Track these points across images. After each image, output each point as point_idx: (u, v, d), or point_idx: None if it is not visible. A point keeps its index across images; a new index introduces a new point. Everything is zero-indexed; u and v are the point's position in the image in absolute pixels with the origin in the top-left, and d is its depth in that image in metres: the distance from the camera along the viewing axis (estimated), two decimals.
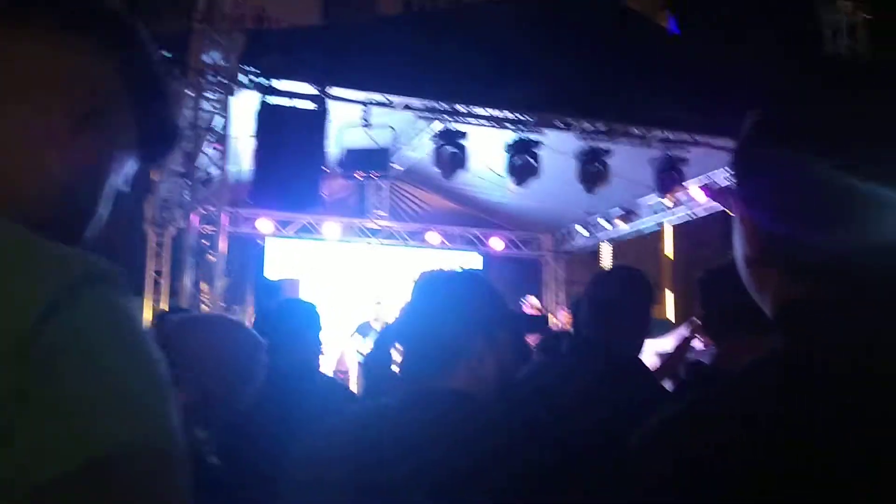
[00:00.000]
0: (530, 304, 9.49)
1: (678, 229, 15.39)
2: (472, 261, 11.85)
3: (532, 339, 4.05)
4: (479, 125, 7.77)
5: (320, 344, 2.88)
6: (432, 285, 1.56)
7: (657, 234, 12.61)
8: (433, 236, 11.68)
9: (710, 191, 9.25)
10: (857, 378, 0.66)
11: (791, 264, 0.75)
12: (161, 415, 0.59)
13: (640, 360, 2.18)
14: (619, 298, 2.13)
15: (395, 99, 7.26)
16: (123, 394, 0.57)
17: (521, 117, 7.72)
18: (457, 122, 7.61)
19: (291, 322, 2.81)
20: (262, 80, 6.59)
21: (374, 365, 2.70)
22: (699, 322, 2.42)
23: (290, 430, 1.80)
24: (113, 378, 0.57)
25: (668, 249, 22.72)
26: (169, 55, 6.90)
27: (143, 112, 0.77)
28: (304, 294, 7.97)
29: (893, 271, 0.70)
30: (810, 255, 0.73)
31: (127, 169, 0.77)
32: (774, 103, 0.80)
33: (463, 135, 7.59)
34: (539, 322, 3.19)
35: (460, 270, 1.62)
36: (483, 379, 1.48)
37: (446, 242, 11.71)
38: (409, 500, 1.25)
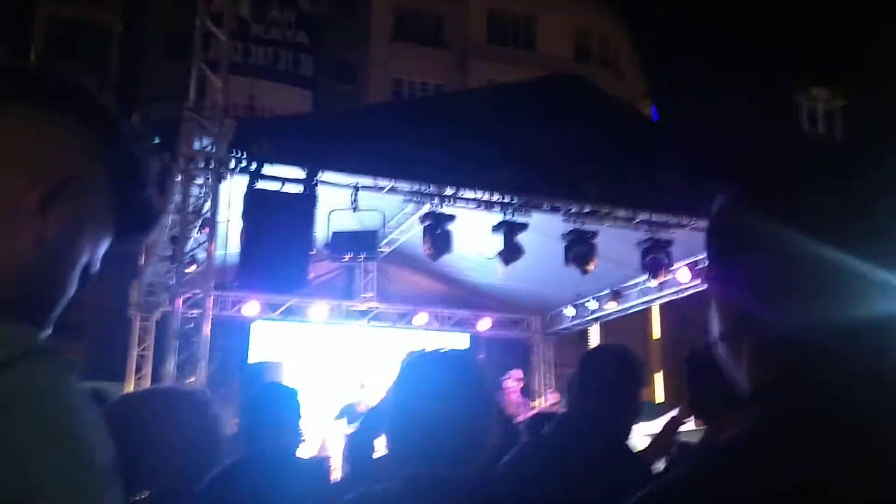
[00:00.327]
0: (514, 378, 9.37)
1: (665, 310, 15.42)
2: (459, 342, 11.78)
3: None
4: (465, 208, 7.85)
5: (300, 430, 2.82)
6: (422, 368, 1.53)
7: (645, 315, 12.64)
8: (421, 318, 11.64)
9: (697, 271, 9.32)
10: (828, 458, 0.66)
11: (763, 342, 0.76)
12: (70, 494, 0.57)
13: (627, 443, 2.14)
14: (610, 377, 2.10)
15: (383, 182, 7.35)
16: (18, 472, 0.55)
17: (508, 200, 7.81)
18: (444, 205, 7.70)
19: (270, 408, 2.76)
20: (251, 165, 6.67)
21: (358, 448, 2.64)
22: (688, 401, 2.40)
23: None
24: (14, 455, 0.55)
25: (656, 330, 22.75)
26: (160, 141, 7.01)
27: (119, 193, 0.77)
28: (288, 377, 7.85)
29: (866, 349, 0.71)
30: (783, 333, 0.74)
31: (100, 251, 0.76)
32: (746, 183, 0.82)
33: (450, 217, 7.66)
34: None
35: (446, 351, 1.60)
36: (479, 462, 1.45)
37: (435, 323, 11.67)
38: None
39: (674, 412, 3.74)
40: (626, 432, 2.12)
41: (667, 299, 10.89)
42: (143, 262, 9.67)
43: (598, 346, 2.43)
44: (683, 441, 3.06)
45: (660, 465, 2.84)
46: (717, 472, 0.71)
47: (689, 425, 3.30)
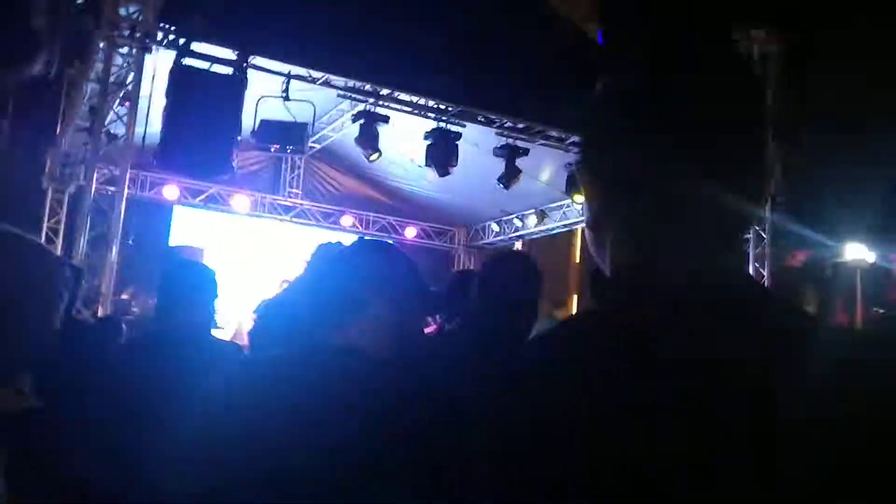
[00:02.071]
0: None
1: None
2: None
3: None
4: (400, 111, 7.73)
5: (214, 310, 2.79)
6: (329, 251, 1.54)
7: (568, 238, 12.87)
8: (346, 219, 11.57)
9: None
10: (655, 315, 0.73)
11: (620, 230, 0.81)
12: None
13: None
14: (512, 282, 2.14)
15: (317, 74, 7.13)
16: None
17: (444, 107, 7.72)
18: (379, 105, 7.55)
19: (186, 285, 2.72)
20: (180, 39, 6.35)
21: (257, 336, 2.64)
22: None
23: (177, 386, 1.74)
24: None
25: (577, 254, 23.28)
26: (82, 4, 6.58)
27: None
28: (209, 264, 7.71)
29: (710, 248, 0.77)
30: (636, 224, 0.79)
31: None
32: (617, 76, 0.84)
33: (384, 118, 7.54)
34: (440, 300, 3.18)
35: (364, 240, 1.60)
36: (381, 337, 1.47)
37: (359, 227, 11.62)
38: (291, 450, 1.24)
39: None
40: (524, 338, 2.18)
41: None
42: (59, 131, 9.20)
43: (502, 252, 2.46)
44: None
45: None
46: (562, 340, 0.78)
47: None
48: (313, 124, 7.88)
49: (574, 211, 10.42)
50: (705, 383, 0.67)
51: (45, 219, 9.61)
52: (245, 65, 6.51)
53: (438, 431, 1.33)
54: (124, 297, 8.00)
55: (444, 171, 7.93)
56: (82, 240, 6.19)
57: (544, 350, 0.78)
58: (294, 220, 11.20)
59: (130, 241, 10.34)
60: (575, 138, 8.34)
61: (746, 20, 8.16)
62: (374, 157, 7.68)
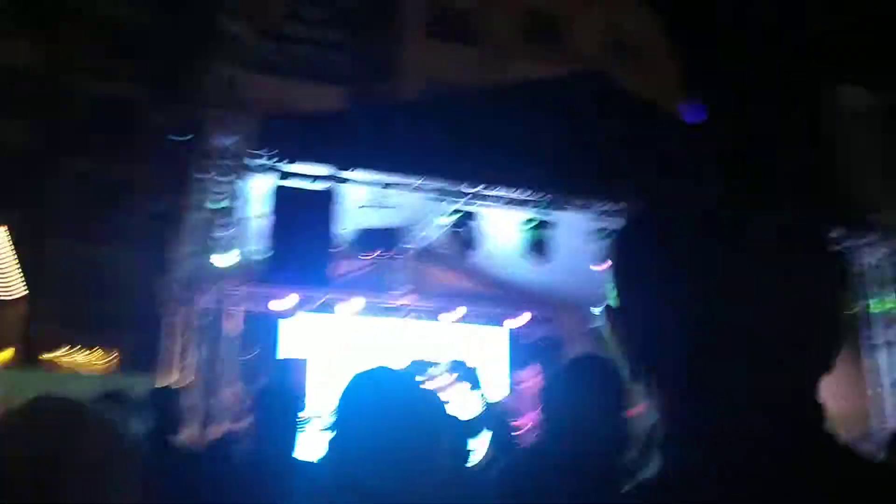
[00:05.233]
0: (529, 374, 9.18)
1: None
2: (497, 336, 11.78)
3: None
4: (494, 206, 7.78)
5: (295, 431, 2.79)
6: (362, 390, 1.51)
7: None
8: (455, 313, 11.60)
9: None
10: None
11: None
12: None
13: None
14: (585, 399, 1.93)
15: (408, 181, 7.32)
16: None
17: (536, 197, 7.72)
18: (472, 203, 7.64)
19: (266, 410, 2.75)
20: (275, 162, 6.70)
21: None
22: None
23: None
24: None
25: None
26: (187, 139, 7.09)
27: None
28: (316, 373, 7.88)
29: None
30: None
31: None
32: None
33: (475, 216, 7.60)
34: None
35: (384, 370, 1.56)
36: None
37: (469, 319, 11.63)
38: None
39: None
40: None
41: None
42: (176, 257, 9.81)
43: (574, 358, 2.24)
44: None
45: None
46: None
47: None
48: (410, 227, 8.03)
49: None
50: None
51: (168, 340, 10.12)
52: (337, 180, 6.76)
53: None
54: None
55: (542, 258, 7.87)
56: (193, 359, 6.45)
57: None
58: (403, 319, 11.32)
59: (255, 353, 10.73)
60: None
61: (843, 76, 7.87)
62: (465, 252, 7.72)
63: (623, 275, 0.78)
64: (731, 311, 0.70)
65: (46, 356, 19.95)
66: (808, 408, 0.71)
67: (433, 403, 1.52)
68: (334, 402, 1.52)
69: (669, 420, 0.74)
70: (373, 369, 1.57)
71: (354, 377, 1.52)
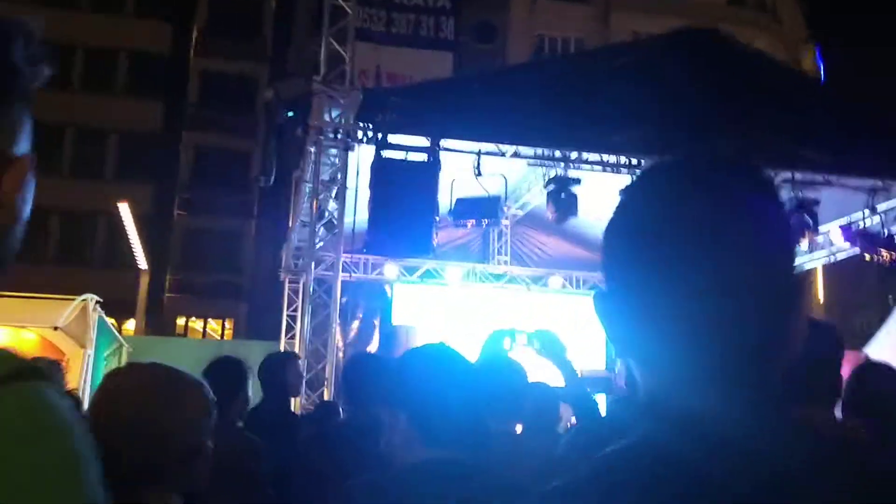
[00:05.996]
0: None
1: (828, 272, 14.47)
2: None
3: None
4: (591, 170, 7.74)
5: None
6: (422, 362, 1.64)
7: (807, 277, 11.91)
8: (555, 280, 11.61)
9: (848, 232, 8.68)
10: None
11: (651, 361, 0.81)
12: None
13: None
14: None
15: (506, 148, 7.37)
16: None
17: (634, 162, 7.61)
18: (569, 168, 7.62)
19: (358, 379, 2.93)
20: (376, 135, 6.91)
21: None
22: None
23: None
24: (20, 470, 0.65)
25: (819, 293, 21.40)
26: (294, 114, 7.41)
27: None
28: (425, 338, 8.11)
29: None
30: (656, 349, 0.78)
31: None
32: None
33: (574, 181, 7.58)
34: None
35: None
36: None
37: (569, 286, 11.61)
38: None
39: None
40: None
41: (820, 262, 10.22)
42: (290, 227, 10.29)
43: None
44: None
45: None
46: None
47: None
48: (506, 196, 8.10)
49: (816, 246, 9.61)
50: None
51: (285, 308, 10.66)
52: (437, 149, 6.90)
53: None
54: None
55: None
56: (304, 326, 6.81)
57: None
58: (505, 285, 11.46)
59: (359, 319, 11.13)
60: (786, 175, 7.81)
61: None
62: (564, 218, 7.71)
63: (608, 262, 0.82)
64: (709, 300, 0.75)
65: (172, 323, 21.43)
66: (782, 388, 0.77)
67: (510, 368, 1.64)
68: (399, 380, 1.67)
69: (648, 395, 0.80)
70: (428, 345, 1.71)
71: (408, 353, 1.67)
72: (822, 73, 21.37)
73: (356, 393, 2.89)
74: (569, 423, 3.84)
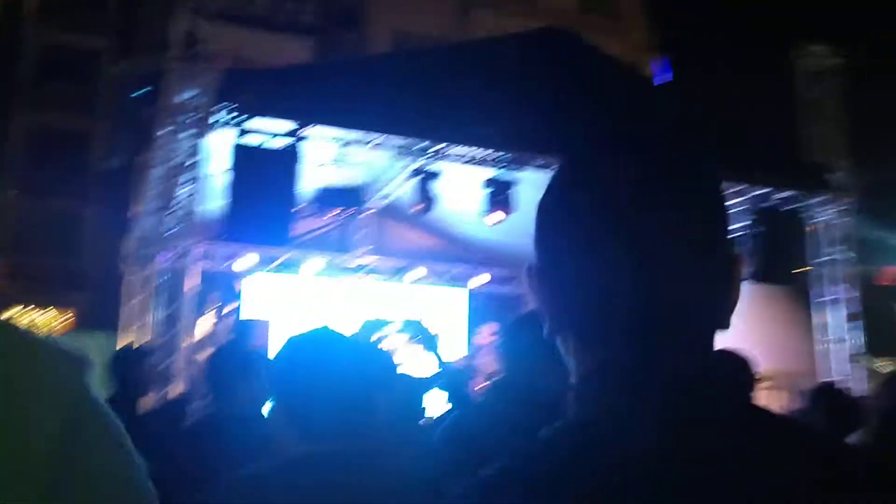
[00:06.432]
0: (485, 333, 9.31)
1: None
2: (456, 297, 11.84)
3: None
4: (455, 163, 7.78)
5: (253, 392, 2.81)
6: (298, 349, 1.54)
7: None
8: (417, 272, 11.64)
9: None
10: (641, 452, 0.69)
11: (581, 334, 0.78)
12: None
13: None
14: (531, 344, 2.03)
15: (371, 137, 7.27)
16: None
17: (498, 156, 7.73)
18: (432, 160, 7.62)
19: (226, 370, 2.77)
20: (236, 118, 6.60)
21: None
22: None
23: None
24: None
25: None
26: (147, 91, 6.94)
27: None
28: (278, 333, 7.88)
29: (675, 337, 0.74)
30: (596, 326, 0.76)
31: None
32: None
33: (436, 174, 7.60)
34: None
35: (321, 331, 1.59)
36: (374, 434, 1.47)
37: (430, 278, 11.68)
38: None
39: None
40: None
41: None
42: (134, 214, 9.67)
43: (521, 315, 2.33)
44: None
45: None
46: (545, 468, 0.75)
47: None
48: (371, 185, 8.00)
49: None
50: None
51: (128, 299, 10.02)
52: (300, 136, 6.69)
53: None
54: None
55: (503, 217, 7.91)
56: (151, 318, 6.42)
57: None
58: (365, 276, 11.34)
59: (211, 311, 10.66)
60: None
61: (805, 36, 7.95)
62: (426, 210, 7.73)
63: (541, 236, 0.80)
64: (639, 272, 0.73)
65: (2, 315, 19.65)
66: (711, 363, 0.76)
67: (379, 359, 1.56)
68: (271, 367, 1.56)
69: (582, 373, 0.77)
70: (311, 331, 1.60)
71: (289, 341, 1.56)
72: (664, 76, 22.89)
73: (222, 387, 2.72)
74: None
